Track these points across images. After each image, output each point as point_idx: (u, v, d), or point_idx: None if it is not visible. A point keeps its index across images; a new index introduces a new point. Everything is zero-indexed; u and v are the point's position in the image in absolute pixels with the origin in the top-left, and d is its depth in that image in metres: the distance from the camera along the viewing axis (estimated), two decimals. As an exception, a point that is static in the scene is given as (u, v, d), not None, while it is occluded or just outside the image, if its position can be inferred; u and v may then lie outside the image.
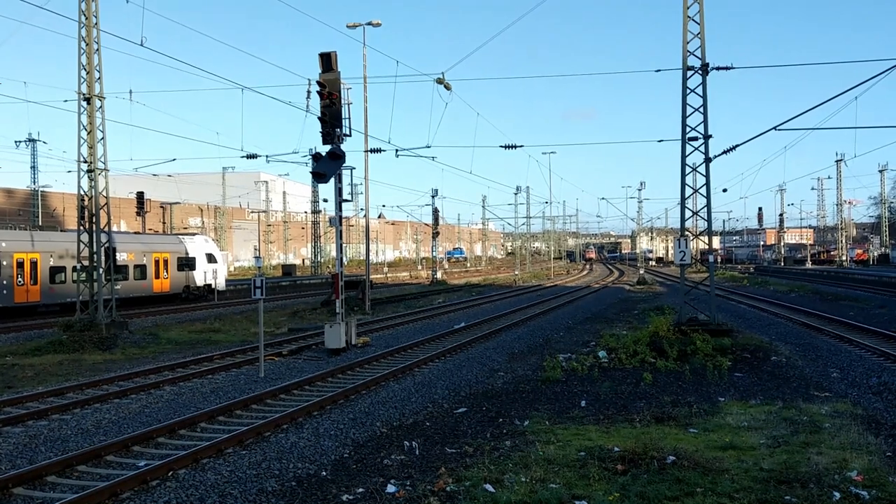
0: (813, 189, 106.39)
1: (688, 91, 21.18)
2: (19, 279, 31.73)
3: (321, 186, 74.46)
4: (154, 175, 59.34)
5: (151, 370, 17.88)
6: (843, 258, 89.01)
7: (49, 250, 33.24)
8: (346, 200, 22.49)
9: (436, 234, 69.49)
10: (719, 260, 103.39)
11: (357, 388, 15.05)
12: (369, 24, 37.46)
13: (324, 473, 9.59)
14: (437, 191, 66.52)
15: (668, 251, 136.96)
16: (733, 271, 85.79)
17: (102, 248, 24.78)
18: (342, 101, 21.03)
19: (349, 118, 21.60)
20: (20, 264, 31.84)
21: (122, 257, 36.51)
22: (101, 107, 24.23)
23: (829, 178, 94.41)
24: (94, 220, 24.52)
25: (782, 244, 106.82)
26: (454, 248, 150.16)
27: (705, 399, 13.78)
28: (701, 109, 21.19)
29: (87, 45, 23.73)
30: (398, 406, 13.66)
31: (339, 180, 21.56)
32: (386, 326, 28.00)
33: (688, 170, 21.89)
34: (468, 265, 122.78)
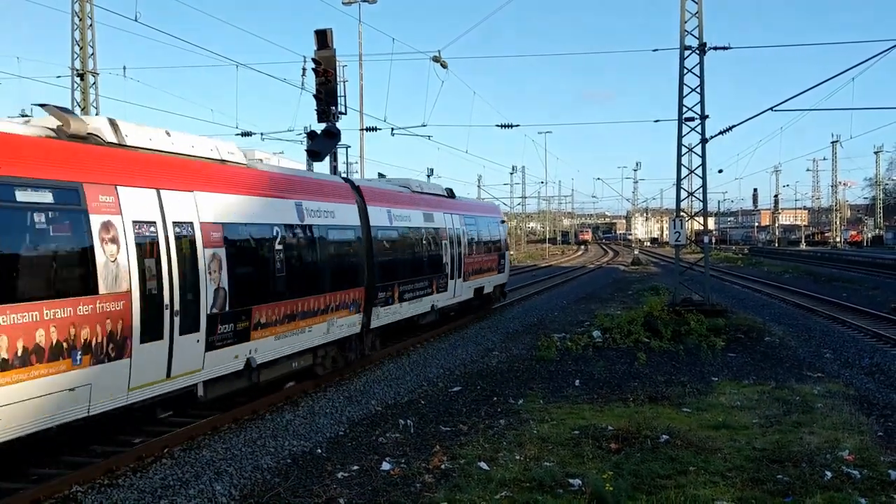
0: (808, 170, 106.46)
1: (685, 71, 21.08)
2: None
3: (316, 165, 74.22)
4: (148, 152, 58.92)
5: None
6: (838, 240, 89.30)
7: None
8: (342, 179, 22.38)
9: (431, 214, 69.24)
10: (714, 241, 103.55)
11: (352, 367, 15.07)
12: (365, 0, 37.10)
13: (319, 451, 9.63)
14: (432, 170, 65.94)
15: (662, 232, 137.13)
16: (728, 252, 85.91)
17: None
18: (338, 79, 20.85)
19: (345, 96, 21.43)
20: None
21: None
22: (94, 83, 24.02)
23: (824, 159, 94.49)
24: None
25: (777, 225, 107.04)
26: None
27: (699, 379, 13.86)
28: (698, 90, 21.11)
29: (80, 20, 23.47)
30: (393, 385, 13.70)
31: (334, 159, 21.46)
32: (381, 305, 27.96)
33: (684, 150, 21.87)
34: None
